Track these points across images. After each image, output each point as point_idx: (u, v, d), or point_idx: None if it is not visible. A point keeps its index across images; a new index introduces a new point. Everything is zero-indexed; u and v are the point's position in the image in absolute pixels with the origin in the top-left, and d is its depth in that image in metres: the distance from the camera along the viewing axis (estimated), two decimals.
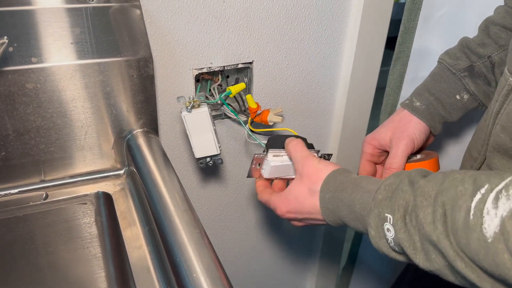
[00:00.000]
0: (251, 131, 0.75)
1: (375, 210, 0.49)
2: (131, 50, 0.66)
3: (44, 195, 0.69)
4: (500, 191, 0.38)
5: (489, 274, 0.39)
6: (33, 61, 0.61)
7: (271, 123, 0.77)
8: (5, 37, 0.58)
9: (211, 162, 0.76)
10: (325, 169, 0.60)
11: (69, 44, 0.63)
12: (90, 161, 0.72)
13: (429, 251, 0.43)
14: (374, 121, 0.99)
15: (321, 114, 1.00)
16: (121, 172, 0.75)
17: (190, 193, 0.95)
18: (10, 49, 0.60)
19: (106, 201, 0.71)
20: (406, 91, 0.93)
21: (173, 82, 0.78)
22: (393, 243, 0.47)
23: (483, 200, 0.38)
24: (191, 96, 0.73)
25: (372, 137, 0.73)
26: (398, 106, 0.82)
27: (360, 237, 1.29)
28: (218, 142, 0.74)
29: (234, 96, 0.79)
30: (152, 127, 0.73)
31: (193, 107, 0.71)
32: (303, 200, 0.61)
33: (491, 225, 0.37)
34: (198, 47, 0.77)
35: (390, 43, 0.97)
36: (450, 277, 0.43)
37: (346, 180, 0.57)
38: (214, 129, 0.73)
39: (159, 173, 0.64)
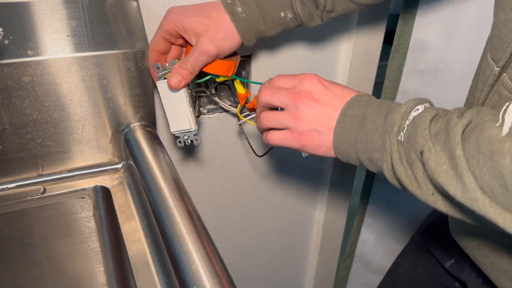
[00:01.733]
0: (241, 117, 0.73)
1: (414, 101, 0.50)
2: (128, 43, 0.65)
3: (41, 190, 0.69)
4: None
5: (473, 172, 0.40)
6: (29, 54, 0.60)
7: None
8: (1, 30, 0.57)
9: (188, 140, 0.70)
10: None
11: (65, 37, 0.62)
12: (87, 155, 0.71)
13: (437, 142, 0.44)
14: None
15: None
16: (119, 166, 0.74)
17: (189, 186, 0.95)
18: (6, 41, 0.59)
19: (104, 195, 0.70)
20: (405, 84, 0.92)
21: None
22: (409, 122, 0.47)
23: (507, 108, 0.40)
24: (166, 64, 0.67)
25: (179, 19, 0.64)
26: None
27: (357, 232, 1.28)
28: (195, 117, 0.69)
29: (229, 86, 0.78)
30: (150, 120, 0.73)
31: (167, 74, 0.66)
32: (338, 84, 0.56)
33: (508, 123, 0.38)
34: None
35: (389, 37, 0.97)
36: (443, 168, 0.42)
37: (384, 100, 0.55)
38: (190, 101, 0.68)
39: (157, 167, 0.64)
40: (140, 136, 0.70)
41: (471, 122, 0.43)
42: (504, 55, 0.49)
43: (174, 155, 0.88)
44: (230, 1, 0.64)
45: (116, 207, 0.67)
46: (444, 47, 0.89)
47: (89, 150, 0.71)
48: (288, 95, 0.58)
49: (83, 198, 0.69)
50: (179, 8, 0.65)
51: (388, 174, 0.51)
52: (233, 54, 0.69)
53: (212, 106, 0.86)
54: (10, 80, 0.61)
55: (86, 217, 0.68)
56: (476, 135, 0.40)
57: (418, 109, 0.48)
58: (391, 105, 0.52)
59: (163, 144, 0.70)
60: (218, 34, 0.64)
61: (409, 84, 0.92)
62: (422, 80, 0.93)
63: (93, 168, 0.73)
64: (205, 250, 0.49)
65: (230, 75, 0.68)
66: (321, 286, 1.38)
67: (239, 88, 0.74)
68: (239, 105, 0.75)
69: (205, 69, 0.66)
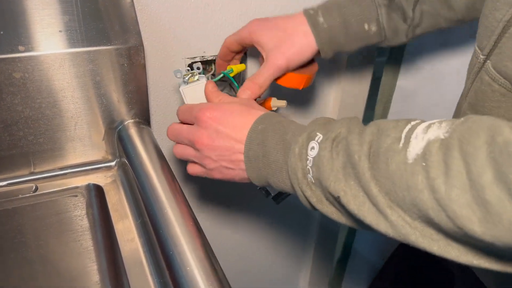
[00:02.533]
0: None
1: (308, 129, 0.48)
2: (121, 39, 0.64)
3: (33, 188, 0.68)
4: (433, 123, 0.38)
5: (397, 204, 0.39)
6: (21, 49, 0.59)
7: (274, 108, 0.74)
8: None
9: None
10: (260, 107, 0.58)
11: (57, 32, 0.61)
12: (80, 152, 0.70)
13: (349, 176, 0.43)
14: (370, 112, 0.98)
15: (316, 104, 0.99)
16: (112, 163, 0.73)
17: (183, 185, 0.94)
18: None
19: (97, 193, 0.69)
20: (403, 80, 0.92)
21: (165, 71, 0.77)
22: (311, 164, 0.46)
23: (413, 128, 0.39)
24: (188, 69, 0.66)
25: (256, 31, 0.64)
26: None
27: (354, 229, 1.28)
28: None
29: (229, 84, 0.77)
30: (143, 117, 0.72)
31: (190, 78, 0.65)
32: (234, 115, 0.56)
33: (415, 148, 0.37)
34: (190, 35, 0.75)
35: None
36: (365, 207, 0.41)
37: (283, 119, 0.54)
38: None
39: (151, 165, 0.63)
40: (134, 133, 0.69)
41: (372, 144, 0.41)
42: (489, 43, 0.49)
43: (168, 153, 0.87)
44: (312, 12, 0.64)
45: (110, 205, 0.66)
46: (441, 45, 0.88)
47: (81, 148, 0.70)
48: (188, 136, 0.58)
49: (76, 196, 0.68)
50: (261, 20, 0.65)
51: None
52: (311, 62, 0.68)
53: None
54: (1, 76, 0.60)
55: (79, 215, 0.67)
56: (384, 165, 0.39)
57: (313, 147, 0.46)
58: (286, 136, 0.51)
59: (158, 141, 0.70)
60: (290, 49, 0.63)
61: (406, 81, 0.91)
62: (419, 77, 0.92)
63: (86, 166, 0.72)
64: (200, 251, 0.48)
65: (301, 88, 0.68)
66: (317, 283, 1.38)
67: None
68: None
69: (278, 82, 0.66)
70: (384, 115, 0.98)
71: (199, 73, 0.66)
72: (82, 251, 0.64)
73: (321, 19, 0.63)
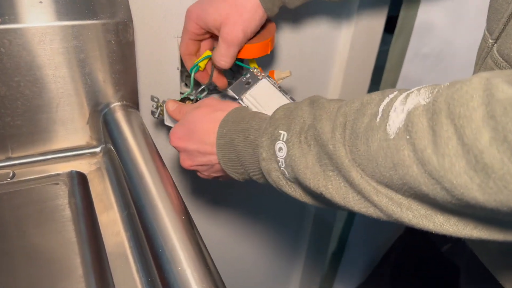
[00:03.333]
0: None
1: (269, 129, 0.47)
2: (108, 12, 0.61)
3: (11, 174, 0.65)
4: (411, 92, 0.36)
5: (385, 184, 0.37)
6: None
7: (280, 81, 0.70)
8: None
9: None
10: (227, 102, 0.58)
11: (38, 4, 0.58)
12: (62, 137, 0.68)
13: (326, 166, 0.41)
14: None
15: (316, 91, 0.97)
16: (97, 150, 0.71)
17: (175, 175, 0.92)
18: None
19: (80, 182, 0.67)
20: (407, 69, 0.90)
21: (155, 51, 0.73)
22: (284, 165, 0.45)
23: (391, 102, 0.36)
24: (152, 104, 0.69)
25: (198, 15, 0.63)
26: None
27: (350, 221, 1.28)
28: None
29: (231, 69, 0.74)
30: (131, 100, 0.69)
31: (160, 113, 0.69)
32: (197, 125, 0.57)
33: (396, 121, 0.35)
34: (183, 11, 0.71)
35: (389, 25, 0.94)
36: (350, 198, 0.40)
37: (246, 114, 0.53)
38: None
39: (140, 152, 0.60)
40: (121, 117, 0.66)
41: (347, 126, 0.39)
42: (498, 26, 0.48)
43: (158, 139, 0.84)
44: None
45: (94, 195, 0.64)
46: (450, 31, 0.86)
47: (64, 132, 0.67)
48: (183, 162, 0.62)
49: (57, 184, 0.66)
50: (196, 5, 0.64)
51: None
52: (262, 30, 0.67)
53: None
54: None
55: (60, 204, 0.65)
56: (364, 146, 0.37)
57: (281, 148, 0.45)
58: (250, 136, 0.51)
59: (147, 126, 0.67)
60: (242, 16, 0.61)
61: (411, 69, 0.89)
62: (425, 65, 0.91)
63: (68, 152, 0.69)
64: (193, 249, 0.45)
65: (269, 52, 0.67)
66: (310, 276, 1.38)
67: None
68: None
69: (241, 56, 0.64)
70: None
71: (157, 102, 0.69)
72: (65, 243, 0.62)
73: None
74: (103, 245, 0.56)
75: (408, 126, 0.34)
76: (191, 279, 0.42)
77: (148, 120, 0.80)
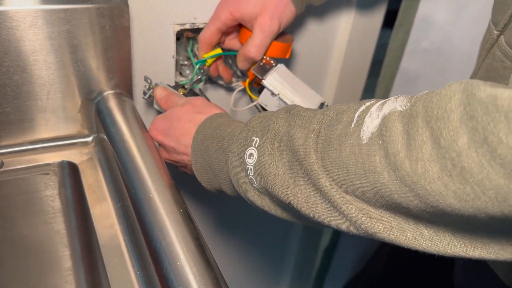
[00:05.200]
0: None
1: (243, 135, 0.46)
2: None
3: None
4: (388, 99, 0.36)
5: (355, 195, 0.36)
6: None
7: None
8: None
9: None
10: (211, 106, 0.58)
11: None
12: (53, 125, 0.66)
13: (297, 174, 0.40)
14: (369, 94, 0.95)
15: (313, 83, 0.96)
16: (89, 139, 0.69)
17: (171, 167, 0.90)
18: None
19: (71, 172, 0.65)
20: (406, 63, 0.89)
21: (151, 38, 0.72)
22: (252, 173, 0.44)
23: (367, 109, 0.36)
24: (145, 85, 0.69)
25: (236, 7, 0.65)
26: None
27: None
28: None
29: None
30: (125, 88, 0.68)
31: (151, 93, 0.69)
32: (178, 123, 0.57)
33: (370, 126, 0.34)
34: None
35: (388, 19, 0.93)
36: (319, 208, 0.39)
37: (224, 121, 0.53)
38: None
39: (134, 142, 0.59)
40: (114, 106, 0.65)
41: (321, 133, 0.38)
42: (503, 17, 0.47)
43: None
44: None
45: (85, 186, 0.62)
46: (450, 26, 0.86)
47: (54, 120, 0.66)
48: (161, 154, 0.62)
49: (47, 174, 0.65)
50: None
51: None
52: (283, 34, 0.70)
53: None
54: None
55: (50, 195, 0.64)
56: (336, 153, 0.36)
57: (251, 154, 0.44)
58: (223, 143, 0.50)
59: (141, 116, 0.65)
60: (279, 9, 0.64)
61: (410, 64, 0.89)
62: (424, 60, 0.91)
63: (59, 141, 0.68)
64: (192, 244, 0.43)
65: (287, 57, 0.69)
66: (301, 274, 1.39)
67: None
68: (247, 80, 0.70)
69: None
70: (385, 97, 0.95)
71: (150, 83, 0.69)
72: (54, 235, 0.61)
73: None
74: (96, 237, 0.55)
75: (382, 130, 0.33)
76: (191, 275, 0.40)
77: (142, 109, 0.79)
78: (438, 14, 0.85)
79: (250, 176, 0.45)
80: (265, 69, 0.66)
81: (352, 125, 0.36)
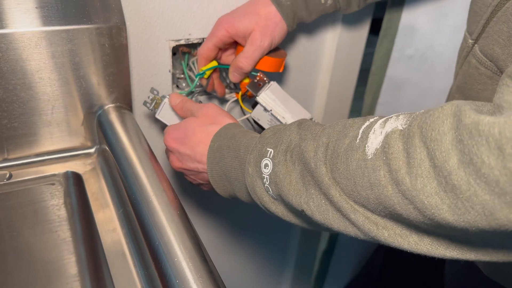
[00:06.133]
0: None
1: (258, 146, 0.49)
2: (102, 17, 0.61)
3: (7, 175, 0.65)
4: (391, 117, 0.38)
5: (362, 204, 0.38)
6: None
7: None
8: None
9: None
10: (223, 115, 0.60)
11: (33, 9, 0.58)
12: (57, 138, 0.68)
13: (308, 184, 0.42)
14: (358, 102, 0.97)
15: (303, 94, 0.98)
16: (92, 150, 0.71)
17: (168, 173, 0.91)
18: None
19: (76, 182, 0.67)
20: (393, 70, 0.91)
21: (148, 54, 0.74)
22: (268, 182, 0.46)
23: (371, 125, 0.38)
24: (149, 95, 0.71)
25: (231, 25, 0.67)
26: None
27: None
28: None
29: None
30: (125, 101, 0.70)
31: (154, 105, 0.70)
32: (194, 132, 0.59)
33: (374, 142, 0.36)
34: (175, 15, 0.72)
35: (374, 27, 0.95)
36: (329, 216, 0.41)
37: (238, 131, 0.56)
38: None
39: (134, 151, 0.60)
40: (115, 118, 0.67)
41: (329, 146, 0.41)
42: (477, 28, 0.50)
43: (151, 139, 0.84)
44: None
45: (89, 194, 0.64)
46: (433, 33, 0.88)
47: (59, 133, 0.67)
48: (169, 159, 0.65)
49: (53, 184, 0.66)
50: (228, 16, 0.68)
51: None
52: (277, 49, 0.73)
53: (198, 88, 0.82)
54: None
55: (56, 204, 0.65)
56: (344, 166, 0.39)
57: (267, 165, 0.47)
58: (239, 153, 0.53)
59: (140, 127, 0.67)
60: (269, 27, 0.67)
61: (396, 71, 0.91)
62: (410, 67, 0.92)
63: (63, 153, 0.69)
64: (188, 242, 0.46)
65: (281, 71, 0.72)
66: (301, 275, 1.38)
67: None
68: (240, 93, 0.73)
69: (257, 67, 0.69)
70: (373, 106, 0.97)
71: (156, 95, 0.70)
72: (60, 243, 0.62)
73: None
74: (100, 242, 0.57)
75: (385, 147, 0.35)
76: (187, 269, 0.43)
77: (141, 121, 0.81)
78: (421, 23, 0.87)
79: (266, 185, 0.47)
80: (258, 87, 0.68)
81: (357, 140, 0.38)
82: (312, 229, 0.48)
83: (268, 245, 1.27)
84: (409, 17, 0.87)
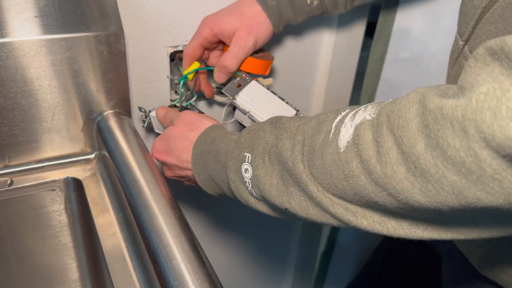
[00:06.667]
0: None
1: (235, 152, 0.50)
2: (100, 25, 0.62)
3: (8, 182, 0.66)
4: (359, 109, 0.39)
5: (339, 196, 0.40)
6: None
7: None
8: None
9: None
10: (201, 119, 0.61)
11: (33, 18, 0.59)
12: (58, 144, 0.68)
13: (288, 183, 0.43)
14: (354, 104, 0.97)
15: (300, 98, 0.98)
16: (92, 156, 0.72)
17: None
18: None
19: (76, 187, 0.68)
20: (387, 73, 0.92)
21: (146, 60, 0.75)
22: (250, 186, 0.47)
23: (343, 119, 0.39)
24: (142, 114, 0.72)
25: (216, 23, 0.67)
26: None
27: None
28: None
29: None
30: (124, 108, 0.70)
31: (147, 123, 0.72)
32: (176, 141, 0.60)
33: (345, 135, 0.38)
34: (172, 22, 0.73)
35: (370, 29, 0.96)
36: (310, 211, 0.43)
37: (217, 134, 0.56)
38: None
39: (133, 156, 0.61)
40: (114, 125, 0.67)
41: (305, 143, 0.42)
42: (467, 29, 0.51)
43: (150, 144, 0.84)
44: None
45: (89, 199, 0.64)
46: (426, 35, 0.88)
47: (59, 140, 0.68)
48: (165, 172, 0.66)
49: (54, 190, 0.67)
50: (213, 15, 0.68)
51: None
52: (264, 52, 0.72)
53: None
54: None
55: (57, 210, 0.66)
56: (320, 161, 0.40)
57: (247, 169, 0.48)
58: (220, 157, 0.53)
59: (139, 132, 0.68)
60: (254, 26, 0.66)
61: (391, 73, 0.91)
62: (404, 69, 0.93)
63: (63, 159, 0.70)
64: (186, 244, 0.47)
65: (267, 74, 0.71)
66: (302, 277, 1.38)
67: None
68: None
69: (243, 68, 0.68)
70: None
71: (144, 112, 0.73)
72: (61, 248, 0.63)
73: None
74: (101, 246, 0.57)
75: (355, 139, 0.37)
76: (185, 271, 0.43)
77: (139, 126, 0.81)
78: (414, 25, 0.87)
79: (249, 188, 0.48)
80: (237, 88, 0.68)
81: (331, 135, 0.39)
82: (300, 222, 0.50)
83: (268, 247, 1.27)
84: (403, 20, 0.88)
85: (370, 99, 0.97)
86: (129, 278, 0.53)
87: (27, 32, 0.58)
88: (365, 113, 0.38)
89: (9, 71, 0.59)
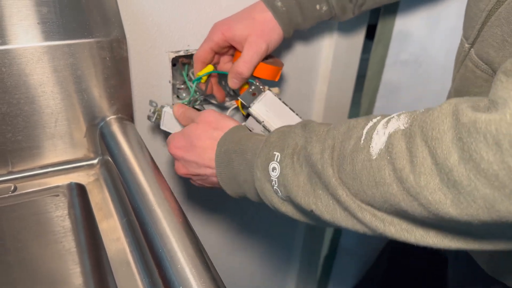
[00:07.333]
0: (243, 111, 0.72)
1: (264, 150, 0.50)
2: (103, 31, 0.62)
3: (12, 188, 0.66)
4: (392, 117, 0.39)
5: (368, 203, 0.40)
6: None
7: None
8: None
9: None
10: (225, 119, 0.60)
11: (35, 24, 0.59)
12: (61, 150, 0.69)
13: (316, 185, 0.44)
14: (355, 107, 0.98)
15: (302, 101, 0.99)
16: (95, 161, 0.72)
17: (171, 182, 0.92)
18: None
19: (79, 193, 0.68)
20: (388, 75, 0.92)
21: (148, 66, 0.75)
22: (276, 185, 0.48)
23: (374, 126, 0.39)
24: (150, 108, 0.71)
25: (227, 28, 0.68)
26: None
27: None
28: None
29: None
30: (127, 113, 0.70)
31: (156, 118, 0.71)
32: (198, 139, 0.60)
33: (378, 143, 0.38)
34: (174, 27, 0.73)
35: (370, 32, 0.96)
36: (337, 215, 0.43)
37: (243, 135, 0.56)
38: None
39: (136, 161, 0.61)
40: (117, 130, 0.68)
41: (335, 148, 0.42)
42: (473, 32, 0.51)
43: (153, 149, 0.84)
44: None
45: (93, 204, 0.64)
46: (426, 38, 0.89)
47: (62, 145, 0.68)
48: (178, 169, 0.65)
49: (57, 196, 0.67)
50: (225, 21, 0.69)
51: None
52: (273, 58, 0.73)
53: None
54: None
55: (60, 216, 0.65)
56: (350, 166, 0.40)
57: (274, 168, 0.48)
58: (246, 156, 0.53)
59: (142, 137, 0.68)
60: (265, 31, 0.67)
61: (392, 76, 0.92)
62: (405, 71, 0.93)
63: (67, 164, 0.70)
64: (191, 248, 0.47)
65: (276, 80, 0.72)
66: (305, 280, 1.38)
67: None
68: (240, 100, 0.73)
69: (255, 74, 0.69)
70: (369, 111, 0.98)
71: (156, 106, 0.71)
72: (64, 253, 0.62)
73: (278, 3, 0.68)
74: (105, 251, 0.57)
75: (388, 147, 0.37)
76: (190, 276, 0.43)
77: (142, 132, 0.82)
78: (414, 28, 0.88)
79: (274, 187, 0.48)
80: (253, 96, 0.68)
81: (362, 141, 0.39)
82: (322, 226, 0.50)
83: (271, 251, 1.27)
84: (402, 23, 0.88)
85: (371, 102, 0.97)
86: (133, 283, 0.53)
87: (30, 39, 0.59)
88: (399, 122, 0.38)
89: (12, 77, 0.60)
